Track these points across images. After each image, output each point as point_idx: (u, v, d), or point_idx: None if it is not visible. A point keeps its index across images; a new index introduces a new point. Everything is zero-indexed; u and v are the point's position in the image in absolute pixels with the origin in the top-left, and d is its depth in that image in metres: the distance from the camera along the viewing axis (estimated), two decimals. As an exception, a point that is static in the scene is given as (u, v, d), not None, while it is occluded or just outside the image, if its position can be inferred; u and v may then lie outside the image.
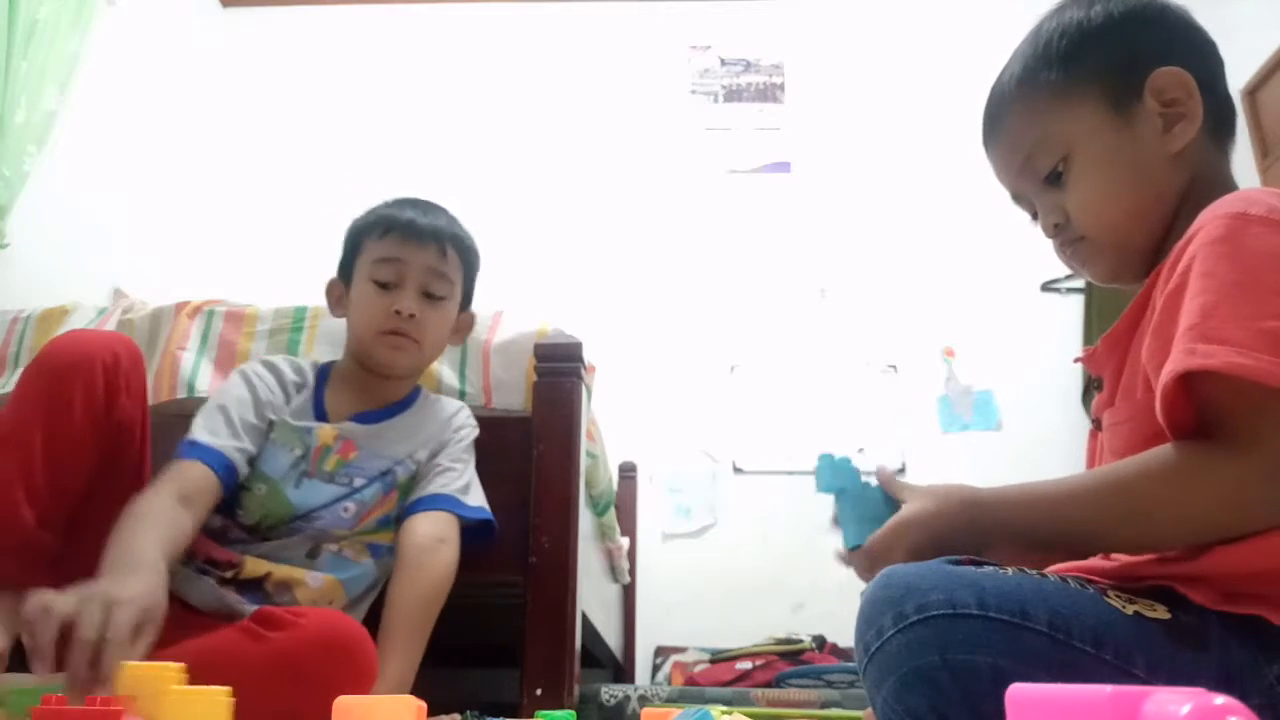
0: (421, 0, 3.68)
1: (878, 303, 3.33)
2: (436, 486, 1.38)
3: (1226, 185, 0.86)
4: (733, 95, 3.60)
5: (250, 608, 1.26)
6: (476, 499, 1.41)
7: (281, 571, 1.29)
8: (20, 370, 1.59)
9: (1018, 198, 0.96)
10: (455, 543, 1.34)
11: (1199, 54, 0.89)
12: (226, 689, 0.74)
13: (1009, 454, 3.08)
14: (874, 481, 0.88)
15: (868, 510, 0.86)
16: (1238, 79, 3.26)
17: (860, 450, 3.00)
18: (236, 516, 1.33)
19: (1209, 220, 0.75)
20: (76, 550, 1.18)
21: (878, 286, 3.35)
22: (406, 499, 1.39)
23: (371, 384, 1.45)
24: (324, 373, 1.48)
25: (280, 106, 3.58)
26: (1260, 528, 0.70)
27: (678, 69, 3.63)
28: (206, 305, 1.69)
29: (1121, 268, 0.91)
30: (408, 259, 1.40)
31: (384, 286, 1.40)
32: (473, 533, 1.40)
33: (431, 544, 1.31)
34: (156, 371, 1.60)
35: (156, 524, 1.13)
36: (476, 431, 1.48)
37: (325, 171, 3.42)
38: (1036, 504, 0.78)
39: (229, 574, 1.28)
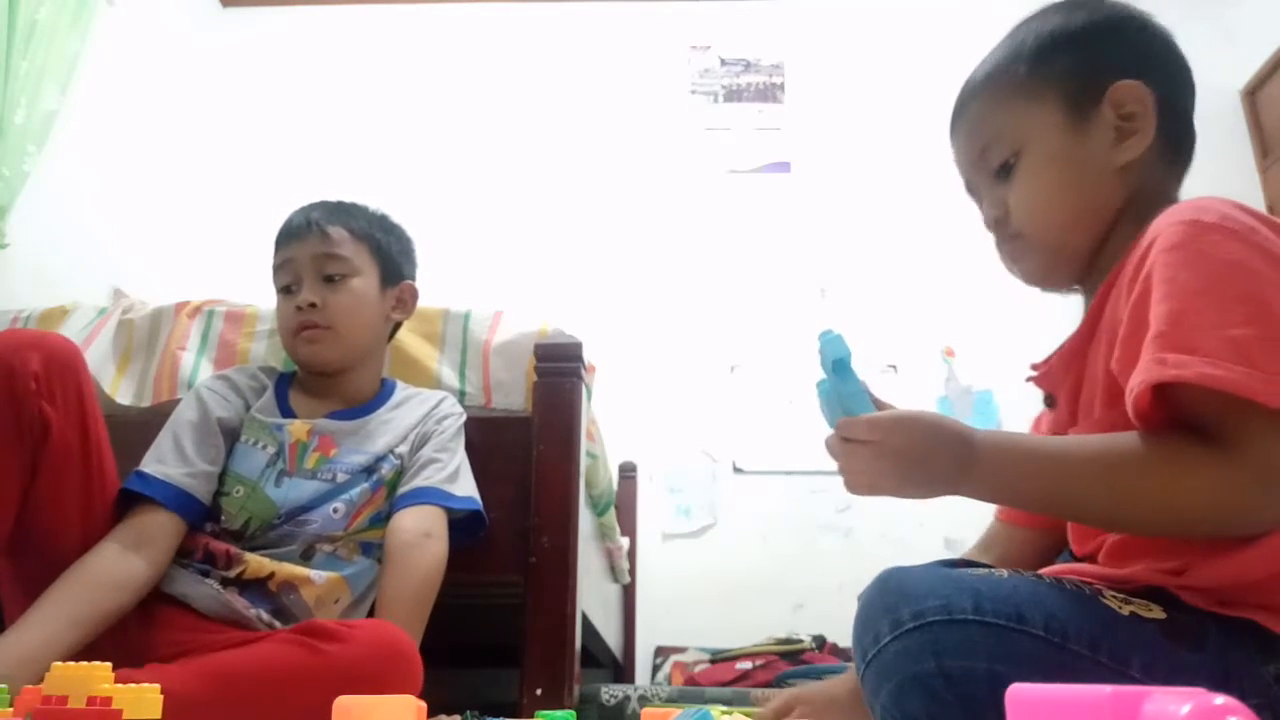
0: (421, 0, 3.68)
1: (878, 303, 3.33)
2: (422, 479, 1.36)
3: (1170, 203, 0.85)
4: (733, 95, 3.60)
5: (257, 613, 1.26)
6: (465, 488, 1.39)
7: (285, 570, 1.28)
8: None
9: (971, 190, 0.97)
10: (443, 535, 1.33)
11: (1168, 77, 0.90)
12: (156, 685, 0.73)
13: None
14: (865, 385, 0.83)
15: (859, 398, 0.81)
16: (1238, 79, 3.26)
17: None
18: (222, 522, 1.32)
19: (1164, 228, 0.75)
20: (22, 567, 1.18)
21: (878, 286, 3.35)
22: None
23: (331, 387, 1.44)
24: (285, 378, 1.49)
25: (280, 106, 3.58)
26: (1242, 533, 0.71)
27: (678, 69, 3.63)
28: (206, 305, 1.69)
29: (1050, 270, 0.92)
30: (294, 255, 1.42)
31: (287, 292, 1.43)
32: (465, 525, 1.39)
33: (417, 539, 1.29)
34: (156, 372, 1.61)
35: (74, 598, 1.13)
36: (463, 418, 1.47)
37: (325, 171, 3.42)
38: (1026, 460, 0.77)
39: (233, 574, 1.27)
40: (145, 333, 1.66)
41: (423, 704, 0.71)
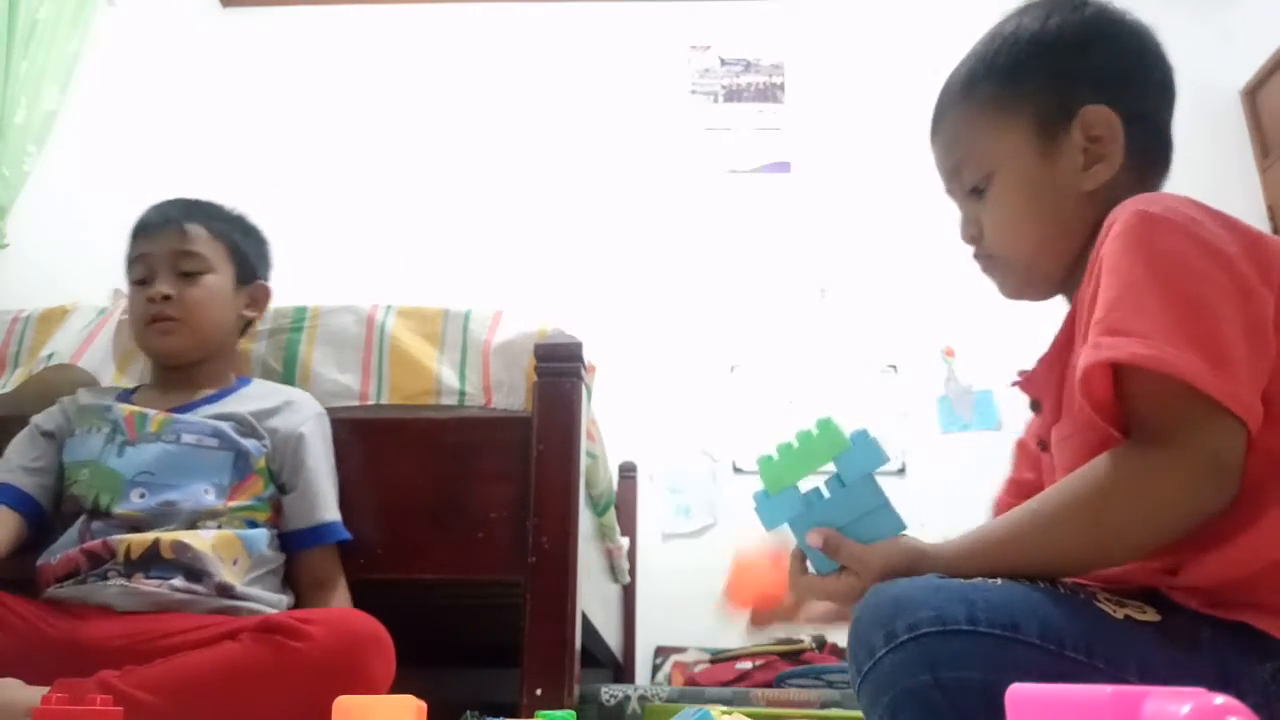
0: (422, 0, 3.68)
1: (878, 303, 3.33)
2: (316, 515, 1.40)
3: None
4: (733, 95, 3.60)
5: (170, 584, 1.25)
6: (333, 506, 1.43)
7: (169, 536, 1.28)
8: (20, 370, 1.60)
9: (950, 193, 0.99)
10: (339, 572, 1.41)
11: (1142, 89, 0.89)
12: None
13: (1009, 454, 3.08)
14: (824, 490, 0.86)
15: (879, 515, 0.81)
16: (1238, 79, 3.26)
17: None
18: (81, 504, 1.33)
19: (1113, 221, 0.77)
20: None
21: (878, 286, 3.35)
22: (276, 486, 1.41)
23: (180, 382, 1.46)
24: (134, 389, 1.51)
25: (280, 107, 3.58)
26: (1215, 518, 0.70)
27: (678, 69, 3.63)
28: (206, 305, 1.69)
29: (1024, 287, 0.94)
30: (150, 250, 1.45)
31: (140, 284, 1.45)
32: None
33: (323, 596, 1.38)
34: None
35: None
36: (324, 418, 1.49)
37: (325, 172, 3.42)
38: (983, 552, 0.75)
39: (121, 559, 1.26)
40: (145, 333, 1.66)
41: (422, 704, 0.71)
